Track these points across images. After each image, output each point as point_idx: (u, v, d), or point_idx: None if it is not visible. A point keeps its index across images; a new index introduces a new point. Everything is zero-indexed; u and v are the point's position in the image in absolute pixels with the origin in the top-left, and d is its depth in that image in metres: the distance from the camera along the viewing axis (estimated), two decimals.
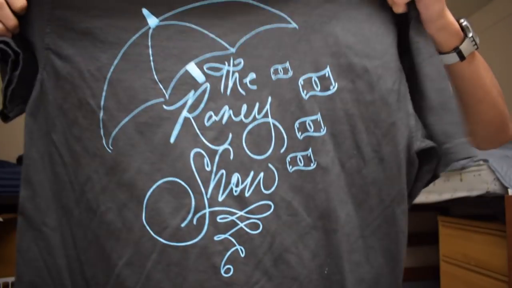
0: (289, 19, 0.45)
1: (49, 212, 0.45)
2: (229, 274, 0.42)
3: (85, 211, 0.44)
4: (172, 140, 0.43)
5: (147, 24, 0.45)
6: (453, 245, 2.02)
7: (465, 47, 0.49)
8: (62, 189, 0.45)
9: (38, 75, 0.46)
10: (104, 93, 0.44)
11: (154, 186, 0.43)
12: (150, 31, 0.45)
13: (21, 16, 0.46)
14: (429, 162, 0.46)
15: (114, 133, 0.44)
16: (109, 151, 0.44)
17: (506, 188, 1.58)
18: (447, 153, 0.44)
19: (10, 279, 2.17)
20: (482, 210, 2.05)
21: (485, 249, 1.76)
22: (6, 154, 2.67)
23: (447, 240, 2.08)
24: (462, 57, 0.50)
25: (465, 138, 0.45)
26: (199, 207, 0.43)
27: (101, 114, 0.44)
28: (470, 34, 0.50)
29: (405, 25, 0.47)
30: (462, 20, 0.51)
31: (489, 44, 2.65)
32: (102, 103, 0.44)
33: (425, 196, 2.11)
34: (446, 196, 1.94)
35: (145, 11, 0.45)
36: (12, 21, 0.45)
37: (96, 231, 0.44)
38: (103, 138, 0.44)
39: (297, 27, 0.45)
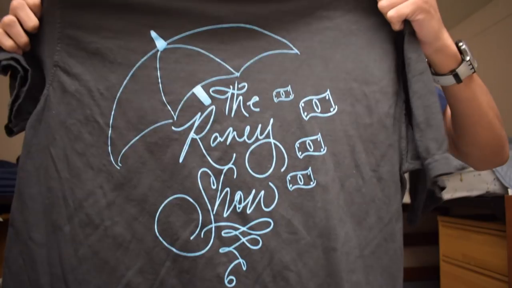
0: (291, 45, 0.47)
1: (37, 227, 0.46)
2: (232, 285, 0.44)
3: (80, 227, 0.45)
4: (181, 160, 0.46)
5: (155, 46, 0.47)
6: (453, 245, 2.02)
7: (462, 70, 0.49)
8: (54, 205, 0.46)
9: (44, 90, 0.47)
10: (113, 112, 0.46)
11: (166, 202, 0.46)
12: (159, 53, 0.46)
13: (33, 34, 0.47)
14: (421, 181, 0.48)
15: (123, 151, 0.46)
16: (117, 167, 0.46)
17: (506, 188, 1.58)
18: (427, 169, 0.45)
19: None
20: (482, 210, 2.05)
21: (485, 249, 1.76)
22: (6, 154, 2.67)
23: (447, 240, 2.08)
24: (458, 80, 0.50)
25: (446, 154, 0.45)
26: (206, 222, 0.46)
27: (110, 132, 0.46)
28: (468, 58, 0.50)
29: (403, 42, 0.48)
30: (461, 44, 0.51)
31: (489, 44, 2.65)
32: (111, 121, 0.46)
33: None
34: (446, 196, 1.94)
35: (153, 34, 0.47)
36: (23, 38, 0.47)
37: (95, 246, 0.45)
38: (111, 155, 0.46)
39: (298, 52, 0.47)
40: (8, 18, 0.46)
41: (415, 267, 3.05)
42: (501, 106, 2.44)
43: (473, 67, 0.50)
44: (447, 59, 0.49)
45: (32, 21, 0.46)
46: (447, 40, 0.48)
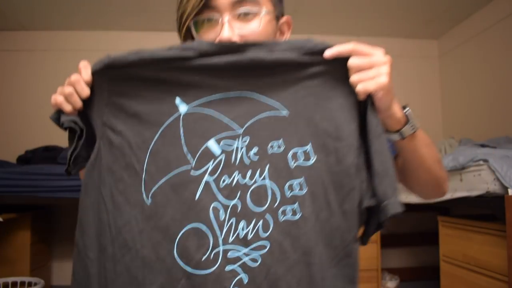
0: (282, 108, 0.61)
1: (91, 248, 0.60)
2: None
3: (119, 248, 0.59)
4: (197, 197, 0.59)
5: (178, 110, 0.61)
6: (453, 245, 2.02)
7: (405, 130, 0.66)
8: (103, 231, 0.60)
9: (96, 143, 0.62)
10: (146, 160, 0.60)
11: (184, 230, 0.59)
12: (181, 115, 0.61)
13: (85, 100, 0.63)
14: (375, 213, 0.62)
15: (153, 190, 0.60)
16: (148, 203, 0.60)
17: (506, 188, 1.58)
18: (384, 208, 0.59)
19: (10, 279, 2.17)
20: (482, 210, 2.05)
21: (485, 249, 1.76)
22: (6, 154, 2.67)
23: (447, 240, 2.08)
24: (402, 137, 0.66)
25: (399, 197, 0.59)
26: (215, 245, 0.59)
27: (144, 175, 0.60)
28: (410, 121, 0.66)
29: (366, 108, 0.62)
30: (406, 109, 0.66)
31: (489, 44, 2.65)
32: (144, 167, 0.60)
33: None
34: (446, 196, 1.94)
35: (178, 100, 0.61)
36: (79, 104, 0.62)
37: (128, 264, 0.58)
38: (143, 193, 0.60)
39: (287, 114, 0.61)
40: (68, 90, 0.62)
41: (415, 267, 3.05)
42: (501, 106, 2.43)
43: (414, 128, 0.66)
44: (394, 123, 0.65)
45: (85, 92, 0.62)
46: (396, 109, 0.64)
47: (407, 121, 0.66)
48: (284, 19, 0.78)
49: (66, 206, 2.77)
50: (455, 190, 1.87)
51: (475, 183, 1.73)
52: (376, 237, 2.40)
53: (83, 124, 0.62)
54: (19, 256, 2.36)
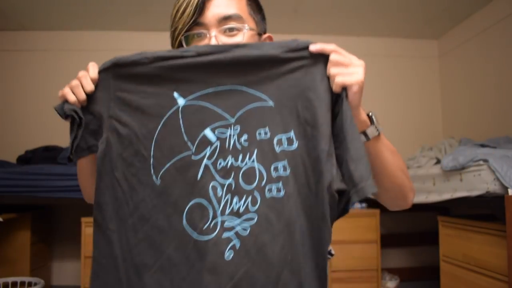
0: (268, 99, 0.71)
1: (111, 221, 0.71)
2: (230, 257, 0.68)
3: (138, 220, 0.71)
4: (198, 177, 0.70)
5: (177, 103, 0.71)
6: (453, 245, 2.02)
7: (369, 131, 0.74)
8: (120, 207, 0.71)
9: (103, 134, 0.72)
10: (152, 147, 0.71)
11: (190, 204, 0.70)
12: (180, 108, 0.71)
13: (91, 95, 0.72)
14: (343, 196, 0.69)
15: (161, 172, 0.71)
16: (158, 183, 0.71)
17: (506, 188, 1.58)
18: (361, 189, 0.66)
19: (10, 279, 2.18)
20: (482, 210, 2.05)
21: (485, 249, 1.76)
22: (6, 154, 2.67)
23: (447, 240, 2.08)
24: (367, 138, 0.73)
25: (372, 180, 0.65)
26: (214, 217, 0.69)
27: (152, 160, 0.71)
28: (374, 124, 0.74)
29: (340, 99, 0.70)
30: (370, 114, 0.75)
31: (489, 44, 2.65)
32: (151, 153, 0.71)
33: (425, 196, 2.11)
34: (446, 196, 1.94)
35: (176, 94, 0.71)
36: (82, 97, 0.71)
37: (147, 232, 0.70)
38: (153, 175, 0.71)
39: (273, 105, 0.71)
40: (75, 82, 0.71)
41: (415, 267, 3.05)
42: (501, 106, 2.43)
43: (378, 130, 0.74)
44: (360, 123, 0.71)
45: (90, 87, 0.71)
46: (362, 111, 0.73)
47: (370, 124, 0.74)
48: (266, 35, 0.88)
49: (66, 206, 2.77)
50: (455, 190, 1.87)
51: (475, 183, 1.73)
52: (376, 237, 2.40)
53: (82, 116, 0.71)
54: (19, 256, 2.36)
